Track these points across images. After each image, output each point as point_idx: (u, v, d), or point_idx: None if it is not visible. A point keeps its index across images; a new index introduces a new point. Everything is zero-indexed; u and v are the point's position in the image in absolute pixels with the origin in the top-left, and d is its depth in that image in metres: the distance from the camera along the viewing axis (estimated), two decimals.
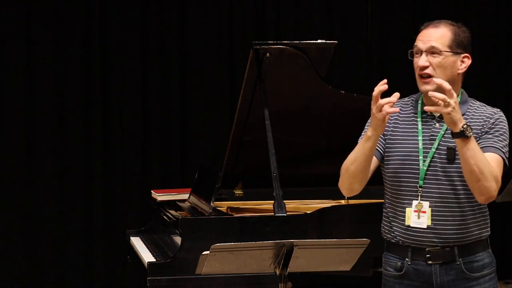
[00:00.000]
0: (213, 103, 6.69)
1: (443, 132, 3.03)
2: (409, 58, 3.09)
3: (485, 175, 2.89)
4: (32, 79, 6.44)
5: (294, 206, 4.59)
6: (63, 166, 6.47)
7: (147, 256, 4.24)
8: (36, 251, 6.43)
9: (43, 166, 6.44)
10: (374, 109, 2.93)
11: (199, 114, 6.68)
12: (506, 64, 7.14)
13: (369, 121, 3.08)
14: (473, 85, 7.01)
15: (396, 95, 2.94)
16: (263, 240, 3.08)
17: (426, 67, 3.02)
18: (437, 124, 3.06)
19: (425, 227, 3.01)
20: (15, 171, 6.42)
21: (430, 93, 2.87)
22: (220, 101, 6.70)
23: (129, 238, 4.85)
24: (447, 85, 2.84)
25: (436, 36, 3.03)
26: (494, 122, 3.02)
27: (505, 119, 3.07)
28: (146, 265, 4.02)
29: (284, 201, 4.08)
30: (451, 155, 2.99)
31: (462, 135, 2.86)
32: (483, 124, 3.02)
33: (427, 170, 3.03)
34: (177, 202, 4.81)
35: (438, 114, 3.03)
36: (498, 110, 3.09)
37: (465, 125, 2.85)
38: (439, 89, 2.89)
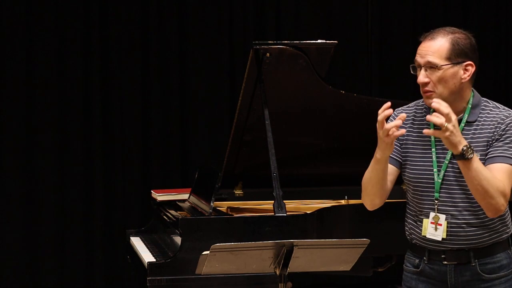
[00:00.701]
0: (213, 103, 6.69)
1: None
2: (412, 72, 3.03)
3: (490, 193, 2.88)
4: (32, 79, 6.43)
5: (294, 206, 4.59)
6: (63, 166, 6.46)
7: (147, 256, 4.24)
8: (36, 251, 6.42)
9: (43, 166, 6.43)
10: (380, 133, 2.89)
11: (199, 114, 6.68)
12: (506, 64, 7.14)
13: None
14: (474, 86, 7.03)
15: (402, 116, 2.89)
16: (263, 240, 3.08)
17: (427, 83, 2.97)
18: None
19: (440, 239, 3.02)
20: (15, 171, 6.41)
21: (428, 118, 2.82)
22: (220, 101, 6.70)
23: (129, 238, 4.85)
24: (444, 109, 2.79)
25: (433, 49, 2.96)
26: (505, 128, 2.97)
27: None
28: (146, 265, 4.02)
29: (284, 201, 4.08)
30: None
31: (462, 157, 2.83)
32: (494, 131, 2.97)
33: (441, 182, 3.01)
34: (177, 202, 4.81)
35: None
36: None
37: (465, 147, 2.82)
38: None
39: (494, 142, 2.97)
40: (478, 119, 3.01)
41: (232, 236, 3.96)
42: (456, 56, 2.97)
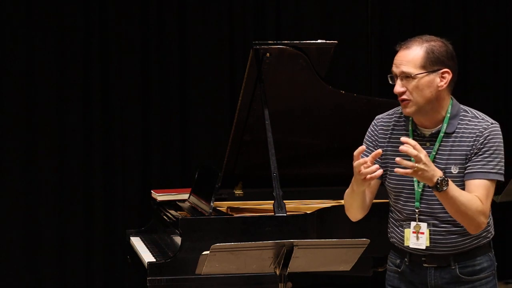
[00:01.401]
0: (213, 103, 6.69)
1: (434, 153, 2.98)
2: (390, 83, 3.02)
3: (469, 215, 2.89)
4: (32, 79, 6.43)
5: (294, 206, 4.59)
6: (63, 165, 6.46)
7: (147, 256, 4.24)
8: (36, 251, 6.42)
9: (43, 166, 6.43)
10: (355, 169, 2.88)
11: (199, 114, 6.68)
12: (506, 64, 7.14)
13: (367, 134, 3.13)
14: (474, 85, 7.03)
15: (378, 152, 2.87)
16: (263, 240, 3.08)
17: (403, 93, 2.96)
18: (428, 144, 3.00)
19: (424, 248, 3.02)
20: (15, 171, 6.41)
21: (398, 160, 2.81)
22: (220, 101, 6.70)
23: (129, 238, 4.85)
24: (412, 151, 2.78)
25: (407, 59, 2.95)
26: (484, 141, 2.94)
27: (498, 131, 2.98)
28: (146, 265, 4.02)
29: (284, 201, 4.08)
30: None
31: (437, 190, 2.84)
32: (473, 144, 2.95)
33: (422, 191, 3.00)
34: (177, 202, 4.81)
35: (429, 133, 3.00)
36: (491, 123, 2.99)
37: (439, 180, 2.81)
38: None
39: (473, 156, 2.95)
40: (457, 130, 2.98)
41: (232, 236, 3.96)
42: (431, 64, 2.95)
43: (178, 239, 4.06)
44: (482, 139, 2.95)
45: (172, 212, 4.57)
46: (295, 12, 6.85)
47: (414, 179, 2.99)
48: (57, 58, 6.46)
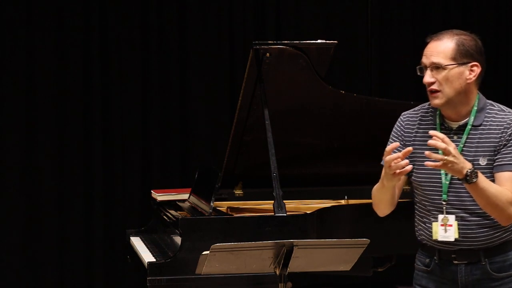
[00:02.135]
0: (213, 103, 6.69)
1: (462, 145, 3.01)
2: (418, 74, 3.06)
3: (500, 207, 2.91)
4: (32, 79, 6.43)
5: (294, 206, 4.59)
6: (63, 165, 6.46)
7: (147, 256, 4.24)
8: (36, 251, 6.42)
9: (43, 166, 6.43)
10: (385, 163, 2.91)
11: (199, 114, 6.68)
12: (506, 64, 7.14)
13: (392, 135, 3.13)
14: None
15: (409, 150, 2.90)
16: (263, 240, 3.08)
17: (432, 83, 3.01)
18: (455, 137, 3.04)
19: (453, 239, 3.03)
20: (15, 171, 6.41)
21: (427, 153, 2.85)
22: (220, 101, 6.70)
23: (129, 238, 4.85)
24: (441, 144, 2.82)
25: (438, 50, 3.01)
26: None
27: None
28: (146, 265, 4.02)
29: (284, 201, 4.08)
30: None
31: (467, 182, 2.87)
32: (501, 136, 2.99)
33: (449, 184, 3.02)
34: (177, 202, 4.81)
35: (456, 126, 3.04)
36: None
37: (469, 172, 2.85)
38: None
39: (502, 148, 2.98)
40: (484, 123, 3.03)
41: (232, 236, 3.96)
42: (461, 56, 3.00)
43: (178, 239, 4.06)
44: (510, 131, 2.99)
45: (172, 212, 4.57)
46: (295, 12, 6.84)
47: (442, 171, 3.01)
48: (57, 58, 6.46)
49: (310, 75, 4.50)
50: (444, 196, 3.03)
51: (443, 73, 2.99)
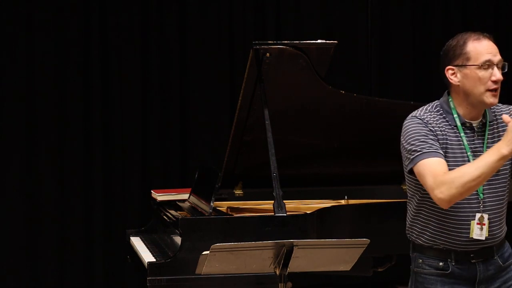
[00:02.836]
0: (213, 103, 6.69)
1: (485, 142, 3.06)
2: (504, 71, 3.07)
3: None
4: (32, 79, 6.43)
5: (294, 206, 4.59)
6: (63, 166, 6.46)
7: (147, 256, 4.24)
8: (36, 251, 6.42)
9: (43, 166, 6.43)
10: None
11: (199, 114, 6.68)
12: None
13: (426, 137, 3.04)
14: None
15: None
16: (263, 240, 3.08)
17: (499, 81, 3.04)
18: (477, 135, 3.07)
19: (484, 239, 3.06)
20: (15, 171, 6.41)
21: (505, 118, 2.92)
22: (220, 101, 6.70)
23: (129, 238, 4.85)
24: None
25: (496, 49, 3.07)
26: None
27: None
28: (146, 265, 4.02)
29: (284, 201, 4.08)
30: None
31: None
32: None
33: (485, 183, 3.04)
34: (177, 202, 4.81)
35: (475, 125, 3.07)
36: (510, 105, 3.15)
37: None
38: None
39: None
40: (493, 118, 3.10)
41: (232, 236, 3.96)
42: None
43: (178, 239, 4.07)
44: None
45: (172, 212, 4.57)
46: (295, 12, 6.84)
47: None
48: (57, 58, 6.46)
49: (310, 75, 4.50)
50: (481, 195, 3.05)
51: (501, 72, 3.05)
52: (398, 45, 6.94)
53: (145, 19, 6.60)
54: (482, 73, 3.02)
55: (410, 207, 3.18)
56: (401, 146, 3.10)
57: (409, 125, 3.08)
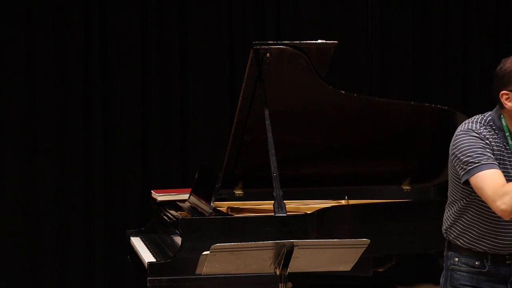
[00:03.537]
0: (213, 103, 6.69)
1: None
2: None
3: None
4: (32, 78, 6.43)
5: (294, 206, 4.60)
6: (63, 166, 6.47)
7: (147, 256, 4.24)
8: (36, 251, 6.43)
9: (43, 166, 6.44)
10: None
11: (199, 114, 6.68)
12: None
13: (479, 146, 3.04)
14: (474, 86, 7.04)
15: None
16: (263, 240, 3.08)
17: None
18: None
19: None
20: (15, 171, 6.41)
21: None
22: (220, 101, 6.70)
23: (129, 238, 4.85)
24: None
25: None
26: None
27: None
28: (146, 265, 4.02)
29: (284, 201, 4.08)
30: None
31: None
32: None
33: None
34: (177, 202, 4.81)
35: None
36: None
37: None
38: None
39: None
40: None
41: (232, 236, 3.96)
42: None
43: (178, 239, 4.07)
44: None
45: (172, 212, 4.57)
46: (295, 12, 6.85)
47: None
48: (57, 58, 6.46)
49: (310, 75, 4.50)
50: None
51: None
52: (398, 45, 6.94)
53: (145, 19, 6.60)
54: None
55: (451, 209, 3.19)
56: (454, 158, 3.07)
57: (464, 138, 3.07)
